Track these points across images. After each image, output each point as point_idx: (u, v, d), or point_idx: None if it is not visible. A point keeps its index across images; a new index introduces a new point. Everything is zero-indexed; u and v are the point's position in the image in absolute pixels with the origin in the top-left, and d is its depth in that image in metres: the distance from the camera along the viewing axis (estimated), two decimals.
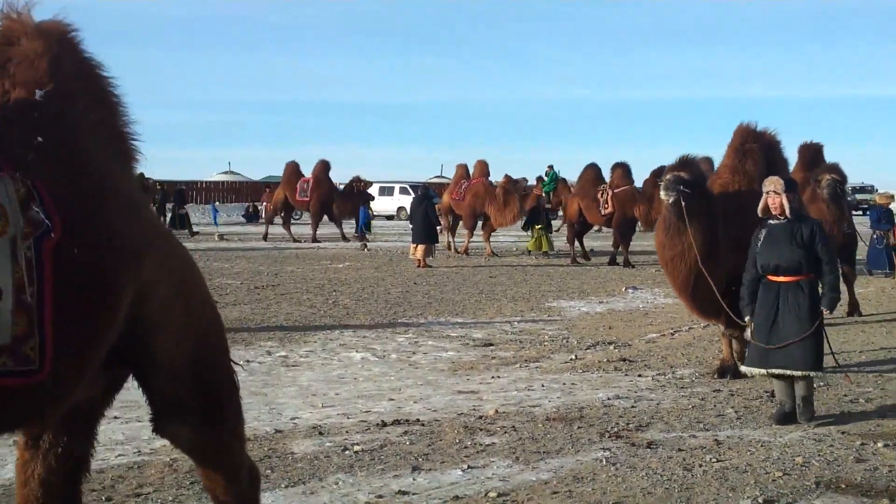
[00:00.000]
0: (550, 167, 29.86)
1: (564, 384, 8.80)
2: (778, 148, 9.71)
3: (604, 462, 6.32)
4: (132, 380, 8.16)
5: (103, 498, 5.51)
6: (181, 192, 33.90)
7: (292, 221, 30.56)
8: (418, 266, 20.40)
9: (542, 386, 8.76)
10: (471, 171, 24.34)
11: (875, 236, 16.96)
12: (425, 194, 22.70)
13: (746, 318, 7.60)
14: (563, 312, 13.89)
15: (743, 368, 7.79)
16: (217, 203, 45.48)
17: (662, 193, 8.60)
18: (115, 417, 7.37)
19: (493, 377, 9.15)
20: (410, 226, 22.30)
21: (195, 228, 32.04)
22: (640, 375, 9.15)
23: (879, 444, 6.72)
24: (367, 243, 26.20)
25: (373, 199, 32.33)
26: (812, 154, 13.19)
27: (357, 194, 29.10)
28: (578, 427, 7.23)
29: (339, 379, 9.06)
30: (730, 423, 7.40)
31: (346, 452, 6.50)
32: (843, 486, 5.85)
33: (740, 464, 6.28)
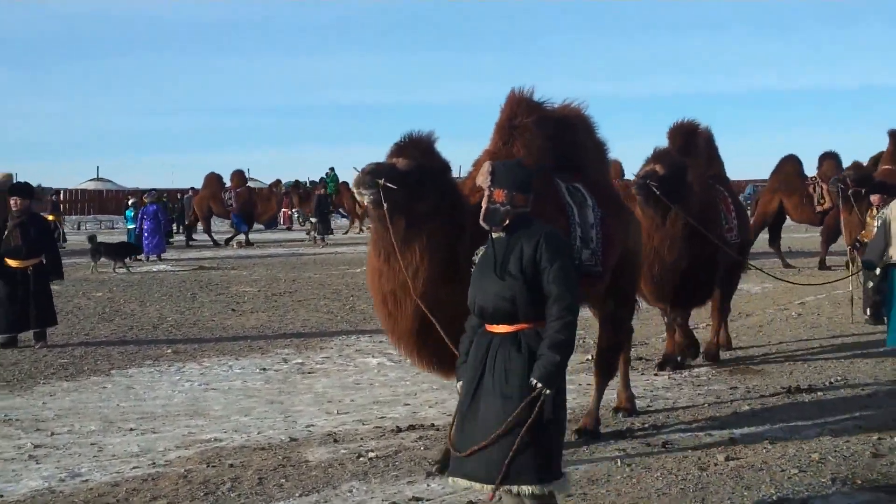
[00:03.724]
0: (331, 169, 30.38)
1: (580, 385, 8.76)
2: (584, 128, 7.15)
3: (619, 463, 6.29)
4: (147, 391, 8.17)
5: None
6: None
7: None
8: None
9: None
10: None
11: None
12: None
13: (458, 384, 4.67)
14: (579, 312, 13.81)
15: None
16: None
17: (355, 192, 5.65)
18: (131, 429, 7.43)
19: None
20: None
21: (225, 237, 31.70)
22: (656, 374, 9.12)
23: None
24: None
25: None
26: (685, 138, 9.37)
27: None
28: None
29: (354, 385, 9.07)
30: (746, 420, 7.35)
31: (361, 459, 6.50)
32: (860, 482, 5.81)
33: (756, 461, 6.25)
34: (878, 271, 9.76)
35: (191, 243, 30.36)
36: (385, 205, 5.41)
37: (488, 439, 4.32)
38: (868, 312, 10.86)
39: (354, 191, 5.61)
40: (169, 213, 30.31)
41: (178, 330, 12.62)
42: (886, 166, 16.45)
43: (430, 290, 5.58)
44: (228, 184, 30.89)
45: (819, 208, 18.78)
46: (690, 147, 9.30)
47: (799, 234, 25.32)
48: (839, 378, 8.77)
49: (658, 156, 8.79)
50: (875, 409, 7.59)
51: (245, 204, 30.34)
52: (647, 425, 7.28)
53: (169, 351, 10.93)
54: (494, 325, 4.51)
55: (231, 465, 6.41)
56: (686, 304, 9.29)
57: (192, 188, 34.88)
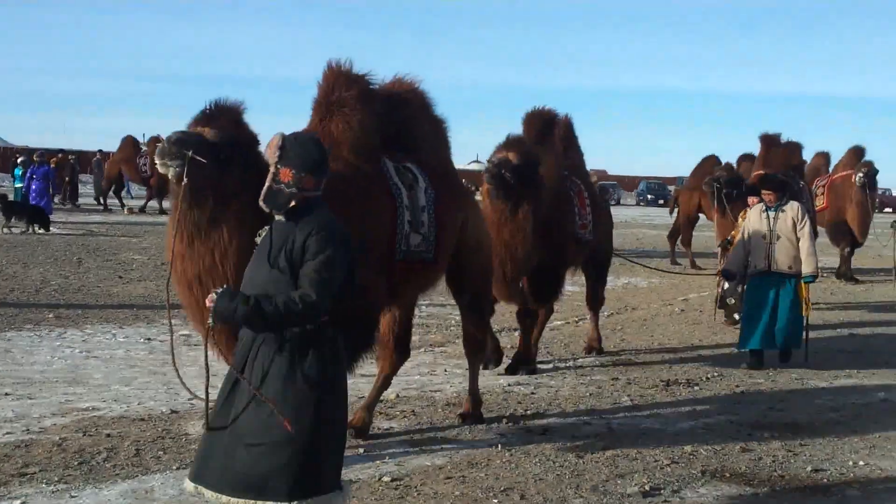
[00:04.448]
0: None
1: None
2: (418, 105, 6.72)
3: (499, 448, 6.39)
4: (25, 356, 7.91)
5: None
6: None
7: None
8: None
9: (445, 371, 8.82)
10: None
11: None
12: None
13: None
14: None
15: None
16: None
17: (159, 164, 4.93)
18: (6, 394, 7.24)
19: None
20: None
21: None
22: (541, 362, 9.26)
23: (766, 434, 6.93)
24: None
25: None
26: (540, 127, 8.81)
27: None
28: None
29: None
30: (624, 410, 7.55)
31: None
32: (728, 475, 6.02)
33: (631, 451, 6.41)
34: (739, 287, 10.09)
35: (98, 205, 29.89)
36: (192, 179, 4.79)
37: (235, 450, 3.89)
38: (737, 317, 11.23)
39: (158, 162, 4.90)
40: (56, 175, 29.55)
41: (62, 295, 12.31)
42: (759, 171, 16.51)
43: (239, 274, 4.69)
44: (145, 149, 30.24)
45: None
46: (546, 136, 8.82)
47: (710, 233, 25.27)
48: (715, 374, 9.05)
49: (511, 143, 8.21)
50: (747, 405, 7.86)
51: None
52: (528, 412, 7.41)
53: (51, 316, 10.65)
54: None
55: (108, 435, 6.30)
56: (535, 300, 8.82)
57: (101, 151, 33.94)
